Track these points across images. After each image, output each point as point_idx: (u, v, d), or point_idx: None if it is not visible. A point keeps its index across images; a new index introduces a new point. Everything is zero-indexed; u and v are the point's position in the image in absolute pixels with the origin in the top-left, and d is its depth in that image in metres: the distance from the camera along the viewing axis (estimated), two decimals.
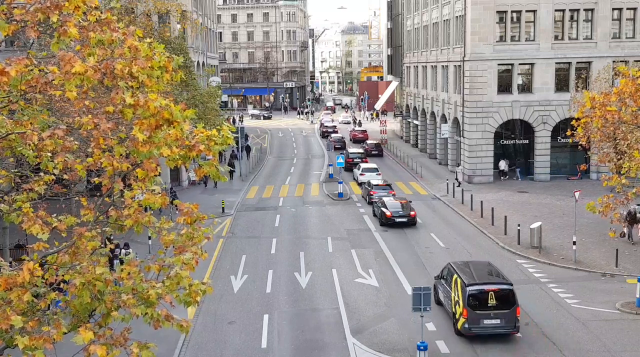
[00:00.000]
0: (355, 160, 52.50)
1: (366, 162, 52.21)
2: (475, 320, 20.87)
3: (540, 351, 20.01)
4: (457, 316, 21.59)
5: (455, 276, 22.18)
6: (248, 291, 25.85)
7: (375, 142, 65.03)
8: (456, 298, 21.75)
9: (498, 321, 20.95)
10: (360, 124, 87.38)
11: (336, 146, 64.71)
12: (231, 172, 50.95)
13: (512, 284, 21.48)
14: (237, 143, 51.58)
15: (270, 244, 32.61)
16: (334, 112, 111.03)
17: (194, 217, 9.58)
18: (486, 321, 20.97)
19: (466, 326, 20.98)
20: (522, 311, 22.01)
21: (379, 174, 46.42)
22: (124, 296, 8.69)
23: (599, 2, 45.52)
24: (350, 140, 71.33)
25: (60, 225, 9.35)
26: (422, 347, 18.80)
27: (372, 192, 40.03)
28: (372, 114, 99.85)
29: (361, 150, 58.26)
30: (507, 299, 21.02)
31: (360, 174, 47.15)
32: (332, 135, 70.93)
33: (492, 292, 20.96)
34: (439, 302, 24.16)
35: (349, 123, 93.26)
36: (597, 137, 25.96)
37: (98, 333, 8.39)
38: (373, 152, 61.17)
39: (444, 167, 54.51)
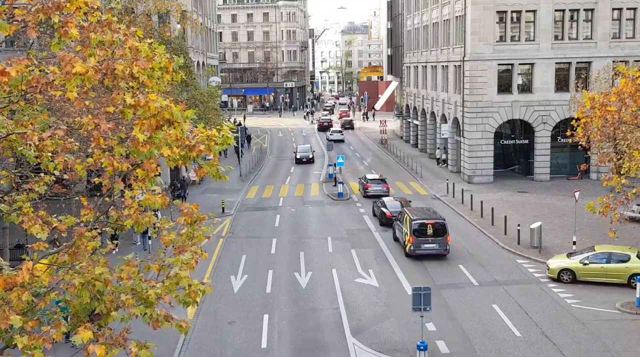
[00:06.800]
0: (324, 124, 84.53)
1: (331, 126, 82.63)
2: (418, 245, 28.51)
3: (540, 351, 20.01)
4: (406, 243, 29.18)
5: (406, 215, 29.57)
6: (248, 291, 25.86)
7: (349, 119, 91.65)
8: (406, 230, 29.18)
9: (434, 245, 28.55)
10: (353, 110, 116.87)
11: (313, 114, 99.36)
12: (237, 152, 55.48)
13: (444, 219, 29.24)
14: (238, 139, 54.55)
15: (270, 244, 32.61)
16: (338, 99, 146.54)
17: (194, 218, 9.58)
18: (425, 245, 28.55)
19: (412, 248, 28.62)
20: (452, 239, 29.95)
21: (342, 134, 73.53)
22: (123, 296, 8.69)
23: (599, 2, 45.52)
24: (339, 117, 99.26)
25: (60, 225, 9.35)
26: (422, 347, 18.81)
27: (367, 186, 43.30)
28: (362, 117, 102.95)
29: (329, 118, 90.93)
30: (441, 230, 28.53)
31: (330, 134, 72.17)
32: (323, 113, 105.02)
33: (430, 225, 28.42)
34: (395, 239, 31.85)
35: (344, 104, 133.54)
36: (597, 137, 25.94)
37: (97, 333, 8.40)
38: (346, 126, 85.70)
39: (443, 167, 54.50)
